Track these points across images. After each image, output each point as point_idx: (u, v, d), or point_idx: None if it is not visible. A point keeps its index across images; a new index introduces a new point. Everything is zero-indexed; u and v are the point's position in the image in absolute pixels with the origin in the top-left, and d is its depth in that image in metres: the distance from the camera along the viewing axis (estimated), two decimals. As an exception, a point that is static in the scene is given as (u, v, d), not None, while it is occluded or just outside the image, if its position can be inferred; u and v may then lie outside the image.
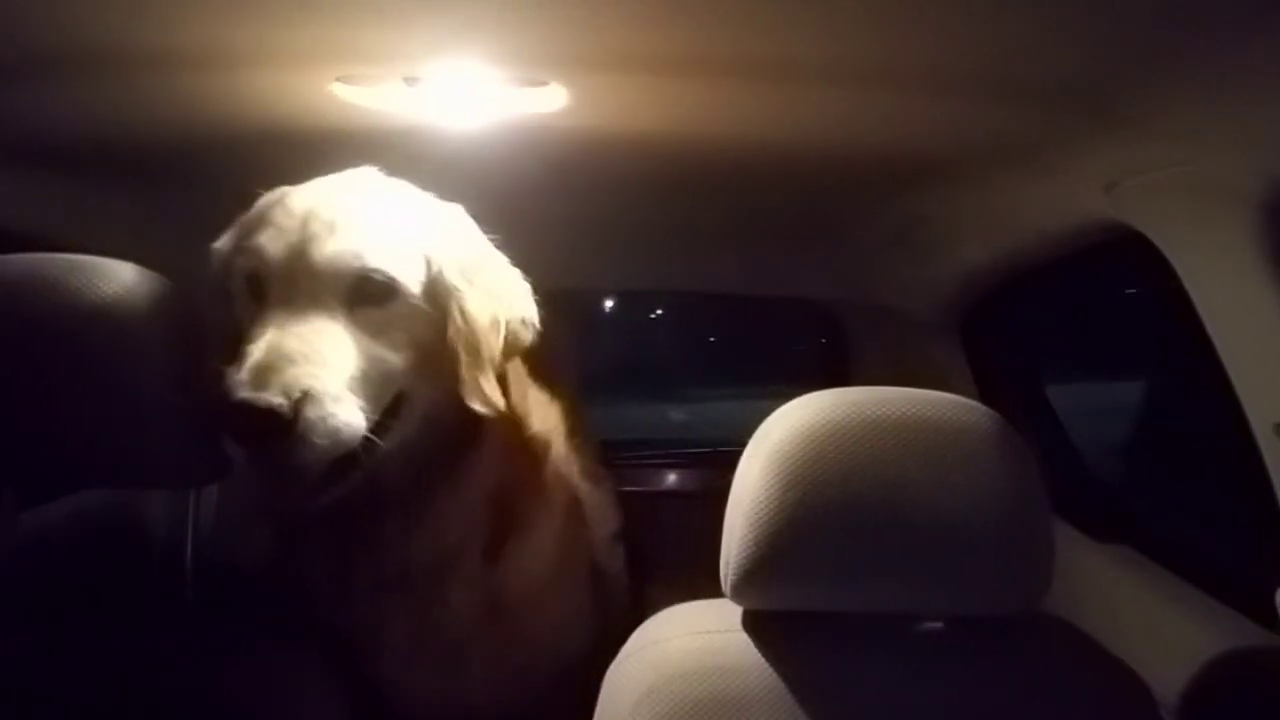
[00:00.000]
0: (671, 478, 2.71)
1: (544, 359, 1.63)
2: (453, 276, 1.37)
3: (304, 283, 1.28)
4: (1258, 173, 1.22)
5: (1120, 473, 2.28)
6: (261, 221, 1.32)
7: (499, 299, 1.42)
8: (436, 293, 1.36)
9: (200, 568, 2.09)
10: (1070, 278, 2.23)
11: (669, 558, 1.98)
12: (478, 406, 1.37)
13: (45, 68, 1.23)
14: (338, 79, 1.28)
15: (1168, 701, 1.63)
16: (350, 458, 1.28)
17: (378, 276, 1.30)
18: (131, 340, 1.14)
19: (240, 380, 1.18)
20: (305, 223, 1.29)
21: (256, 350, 1.21)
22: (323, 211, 1.30)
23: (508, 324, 1.43)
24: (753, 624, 1.21)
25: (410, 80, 1.28)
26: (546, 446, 1.64)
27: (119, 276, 1.15)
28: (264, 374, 1.18)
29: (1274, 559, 1.39)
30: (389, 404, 1.33)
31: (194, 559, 2.10)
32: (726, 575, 1.17)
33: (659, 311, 3.44)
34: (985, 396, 2.12)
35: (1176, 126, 1.24)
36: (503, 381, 1.45)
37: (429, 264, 1.36)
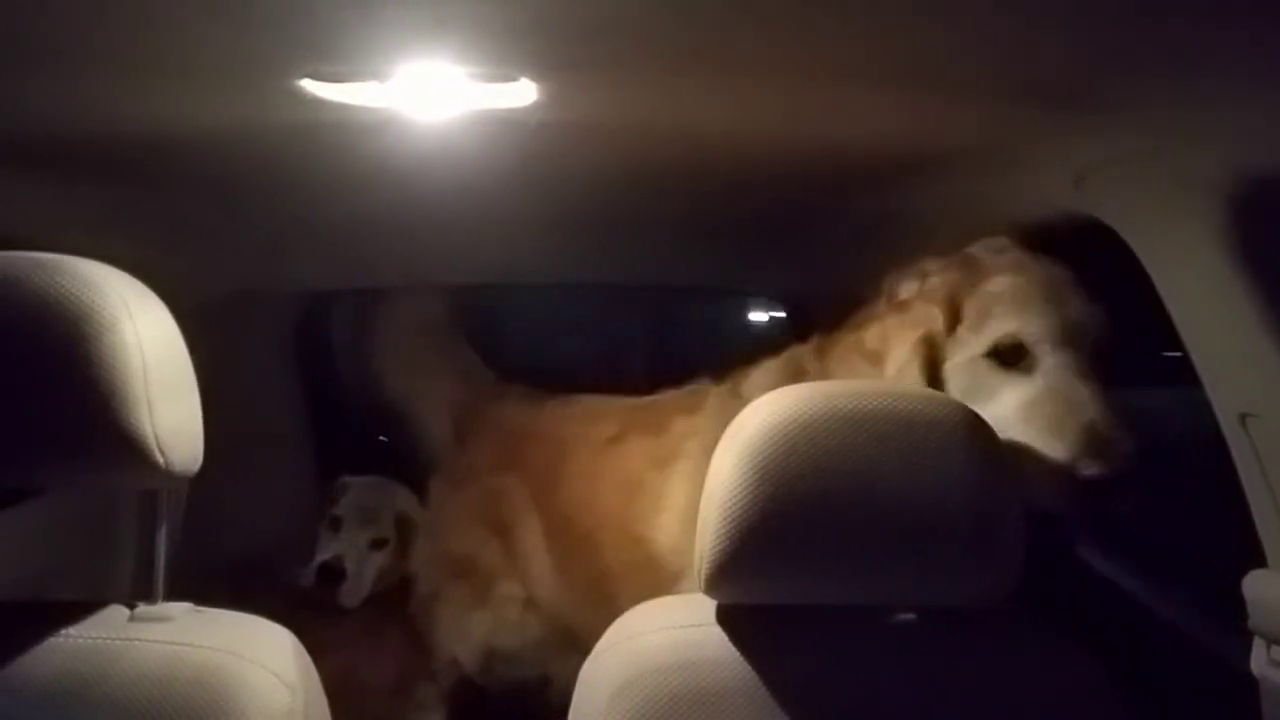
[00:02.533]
0: None
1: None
2: None
3: None
4: (1225, 166, 1.23)
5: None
6: None
7: None
8: None
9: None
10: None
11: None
12: None
13: (9, 66, 1.21)
14: (307, 76, 1.27)
15: (1138, 690, 1.65)
16: None
17: None
18: (95, 340, 1.10)
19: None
20: None
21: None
22: None
23: None
24: (727, 618, 1.21)
25: (381, 75, 1.27)
26: None
27: (85, 275, 1.12)
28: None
29: (1241, 547, 1.41)
30: None
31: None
32: (700, 569, 1.17)
33: (624, 306, 3.44)
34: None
35: (1146, 120, 1.25)
36: None
37: None
